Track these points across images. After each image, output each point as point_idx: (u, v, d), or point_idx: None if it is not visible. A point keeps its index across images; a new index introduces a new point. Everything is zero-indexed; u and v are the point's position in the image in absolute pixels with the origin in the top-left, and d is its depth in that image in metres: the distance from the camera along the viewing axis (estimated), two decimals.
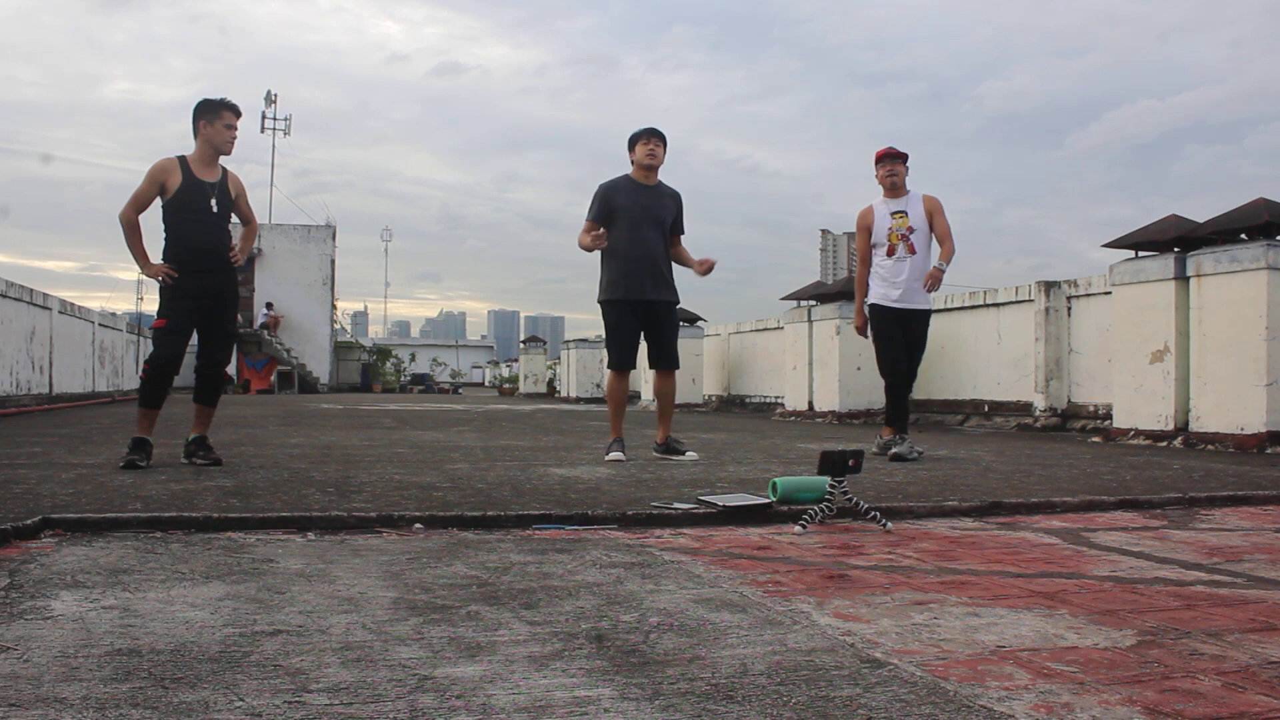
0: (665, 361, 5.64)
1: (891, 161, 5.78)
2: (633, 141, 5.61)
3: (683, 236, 5.69)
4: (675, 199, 5.65)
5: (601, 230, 5.39)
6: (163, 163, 4.75)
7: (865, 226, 5.87)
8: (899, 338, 5.83)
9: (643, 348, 5.67)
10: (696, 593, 2.22)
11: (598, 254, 5.59)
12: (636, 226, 5.46)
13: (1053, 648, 1.78)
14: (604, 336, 5.73)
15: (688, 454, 5.43)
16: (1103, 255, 13.41)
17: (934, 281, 5.73)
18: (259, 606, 2.03)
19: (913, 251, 5.76)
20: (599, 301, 5.63)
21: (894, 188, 5.81)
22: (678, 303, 5.69)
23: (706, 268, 5.60)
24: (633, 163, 5.61)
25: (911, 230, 5.76)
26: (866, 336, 5.97)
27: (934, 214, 5.81)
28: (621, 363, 5.58)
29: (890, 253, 5.78)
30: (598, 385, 18.89)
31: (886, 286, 5.80)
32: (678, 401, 15.55)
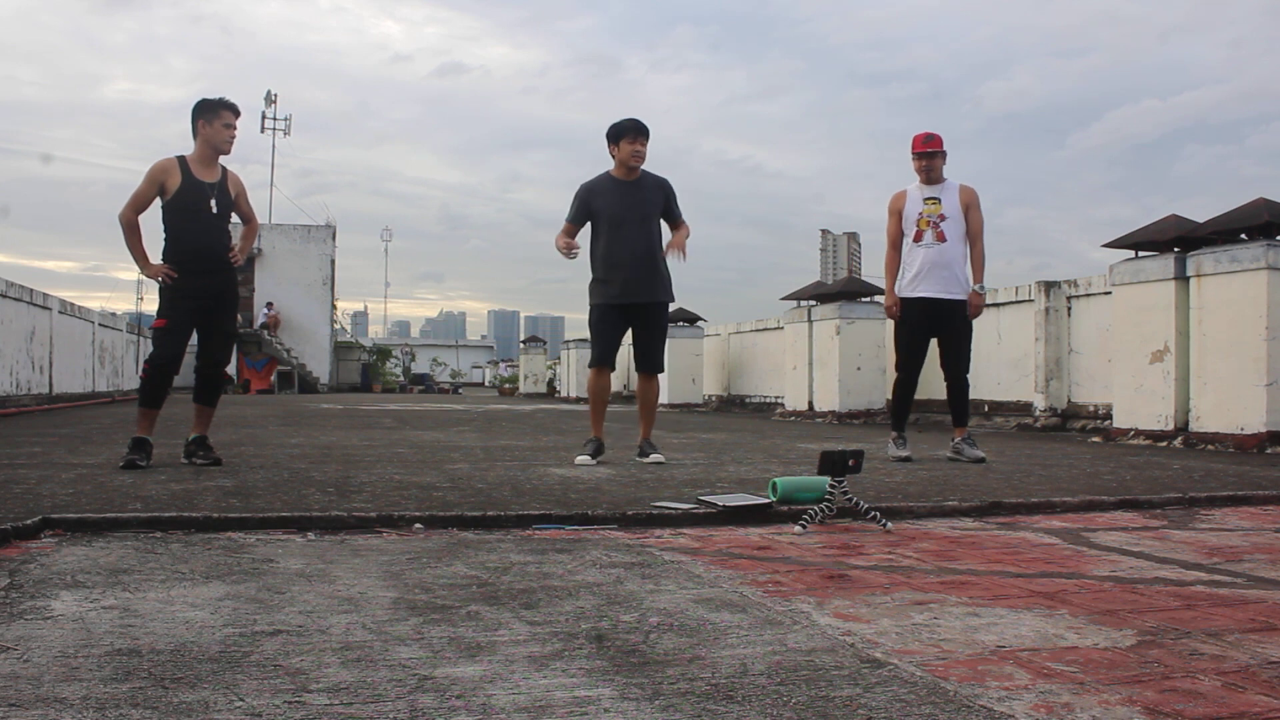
0: (647, 365, 5.44)
1: (928, 158, 5.67)
2: (615, 135, 5.29)
3: (682, 218, 5.43)
4: (662, 189, 5.36)
5: (574, 243, 5.23)
6: (162, 163, 4.74)
7: (897, 210, 5.77)
8: (920, 333, 5.72)
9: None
10: (696, 593, 2.22)
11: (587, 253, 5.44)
12: (619, 228, 5.24)
13: (1053, 648, 1.78)
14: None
15: (652, 456, 5.25)
16: (1103, 255, 13.42)
17: (976, 310, 5.77)
18: (259, 606, 2.03)
19: (943, 239, 5.62)
20: (590, 304, 5.46)
21: (929, 180, 5.70)
22: (669, 301, 5.45)
23: (673, 248, 5.33)
24: (614, 158, 5.33)
25: (944, 218, 5.63)
26: (895, 318, 5.85)
27: (970, 207, 5.68)
28: (600, 358, 5.39)
29: (918, 239, 5.66)
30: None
31: (912, 275, 5.68)
32: (678, 401, 15.60)
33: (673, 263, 5.42)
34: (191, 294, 4.72)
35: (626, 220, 5.25)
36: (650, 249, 5.30)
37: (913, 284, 5.68)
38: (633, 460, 5.32)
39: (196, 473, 4.43)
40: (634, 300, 5.30)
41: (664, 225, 5.45)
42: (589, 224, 5.37)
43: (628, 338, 5.50)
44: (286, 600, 2.09)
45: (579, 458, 5.16)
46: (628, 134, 5.25)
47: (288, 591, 2.17)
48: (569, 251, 5.23)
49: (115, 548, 2.68)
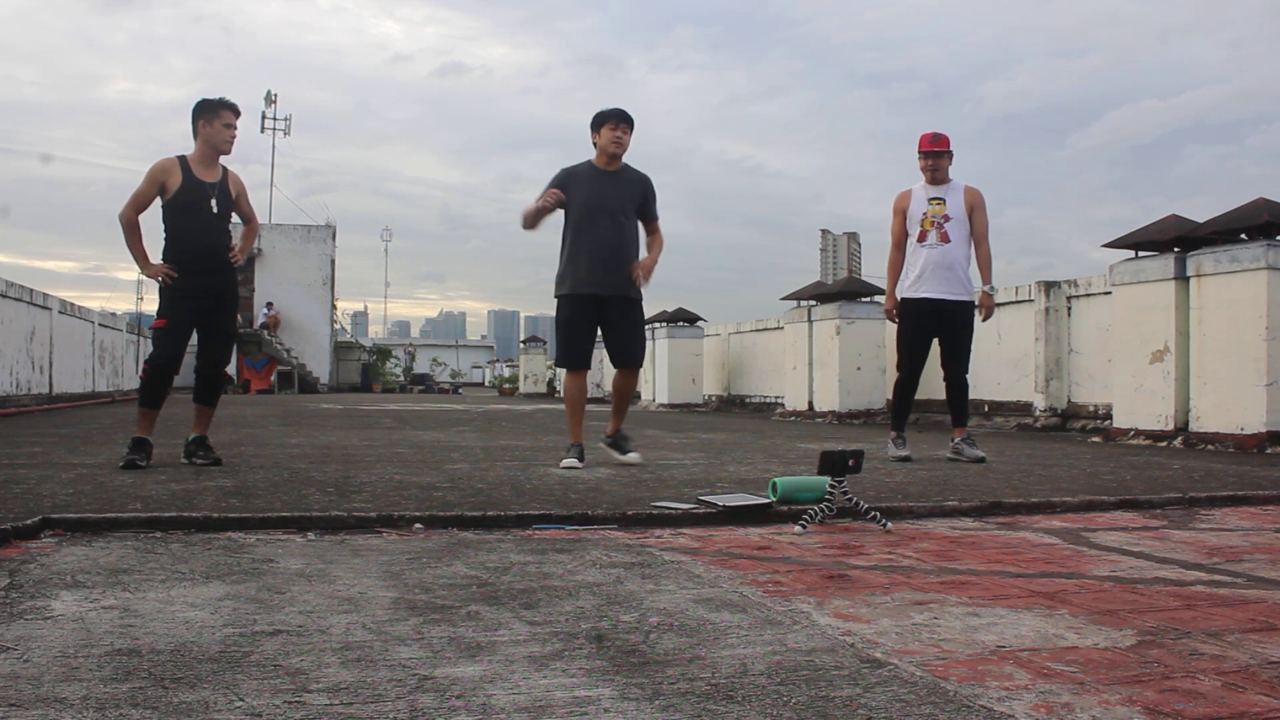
0: (624, 358, 5.12)
1: (935, 157, 5.66)
2: (597, 123, 5.05)
3: (658, 223, 5.19)
4: (641, 184, 5.10)
5: (554, 195, 4.91)
6: (162, 163, 4.75)
7: (901, 209, 5.76)
8: (922, 333, 5.70)
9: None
10: (696, 593, 2.22)
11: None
12: (592, 217, 4.96)
13: (1053, 648, 1.78)
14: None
15: (629, 455, 5.04)
16: (1103, 255, 13.41)
17: (988, 312, 5.80)
18: (259, 606, 2.03)
19: (946, 240, 5.61)
20: (555, 296, 5.15)
21: (935, 179, 5.69)
22: (638, 300, 5.15)
23: (641, 273, 5.05)
24: (595, 147, 5.08)
25: (948, 219, 5.62)
26: (895, 321, 5.84)
27: (975, 208, 5.68)
28: (571, 360, 5.10)
29: (922, 239, 5.64)
30: (597, 385, 18.89)
31: (915, 276, 5.66)
32: (678, 401, 15.59)
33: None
34: (191, 294, 4.72)
35: (601, 210, 4.99)
36: (622, 243, 5.04)
37: (915, 284, 5.67)
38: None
39: (196, 473, 4.43)
40: (601, 291, 5.00)
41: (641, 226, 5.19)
42: (561, 213, 5.09)
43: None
44: (286, 600, 2.09)
45: (564, 462, 4.89)
46: (609, 120, 5.02)
47: (288, 591, 2.17)
48: (553, 202, 4.91)
49: (115, 548, 2.68)
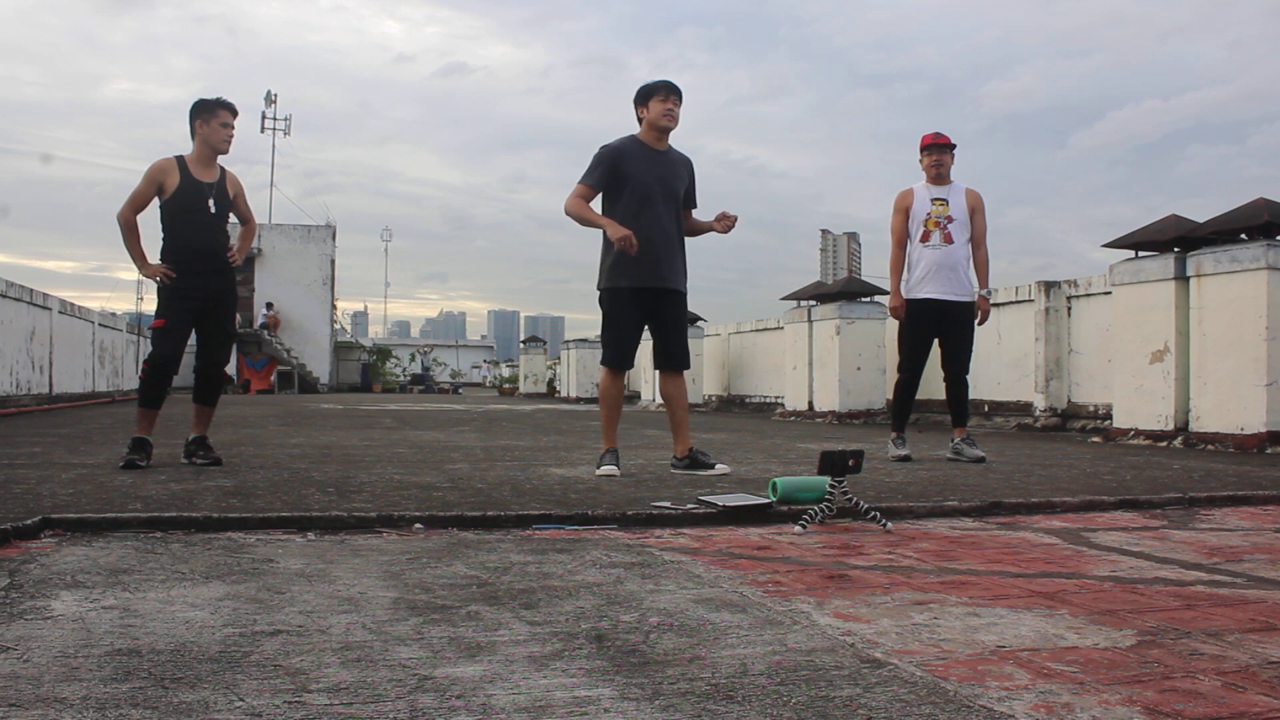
0: (674, 361, 4.74)
1: (939, 151, 5.64)
2: (645, 95, 4.64)
3: (694, 210, 4.88)
4: (688, 167, 4.78)
5: (628, 234, 4.45)
6: (160, 163, 4.75)
7: (904, 207, 5.73)
8: (923, 333, 5.69)
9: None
10: (696, 593, 2.22)
11: (598, 234, 4.70)
12: (649, 200, 4.54)
13: (1053, 648, 1.78)
14: (601, 330, 4.91)
15: (717, 467, 4.61)
16: (1103, 255, 13.40)
17: (984, 315, 5.78)
18: (259, 606, 2.03)
19: (949, 241, 5.59)
20: (599, 289, 4.73)
21: (939, 177, 5.68)
22: (686, 294, 4.82)
23: (728, 223, 4.76)
24: (642, 121, 4.67)
25: (951, 219, 5.61)
26: (901, 319, 5.81)
27: (976, 211, 5.68)
28: (621, 360, 4.70)
29: (925, 239, 5.62)
30: (598, 385, 18.68)
31: (918, 276, 5.64)
32: None
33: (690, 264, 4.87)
34: (190, 294, 4.73)
35: (656, 193, 4.59)
36: (678, 229, 4.69)
37: (918, 285, 5.66)
38: (633, 461, 5.28)
39: (196, 473, 4.43)
40: (658, 284, 4.61)
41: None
42: (602, 192, 4.66)
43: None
44: (286, 600, 2.09)
45: (603, 468, 4.54)
46: (659, 92, 4.60)
47: (288, 591, 2.17)
48: (623, 241, 4.42)
49: (115, 548, 2.68)
